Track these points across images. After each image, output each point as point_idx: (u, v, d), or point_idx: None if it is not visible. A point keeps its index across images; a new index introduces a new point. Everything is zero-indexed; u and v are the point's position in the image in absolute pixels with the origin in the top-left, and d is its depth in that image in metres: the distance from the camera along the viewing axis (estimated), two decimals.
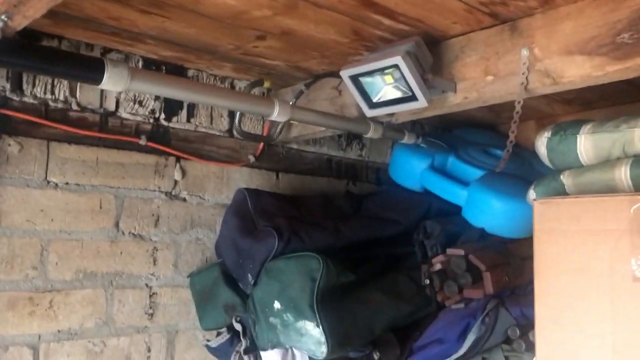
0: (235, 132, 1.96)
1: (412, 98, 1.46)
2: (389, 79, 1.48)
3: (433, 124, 2.59)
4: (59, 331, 1.58)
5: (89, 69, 1.12)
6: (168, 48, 1.67)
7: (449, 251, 1.88)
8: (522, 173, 2.10)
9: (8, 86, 1.52)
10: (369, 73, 1.49)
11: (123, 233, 1.73)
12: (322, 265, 1.57)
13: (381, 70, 1.46)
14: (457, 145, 2.25)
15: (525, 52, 1.41)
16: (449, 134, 2.59)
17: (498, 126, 2.67)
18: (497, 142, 2.42)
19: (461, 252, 1.83)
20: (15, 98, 1.53)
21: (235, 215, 1.77)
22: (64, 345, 1.59)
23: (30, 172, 1.55)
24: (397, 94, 1.50)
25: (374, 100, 1.55)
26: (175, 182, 1.85)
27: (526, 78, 1.41)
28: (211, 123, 1.94)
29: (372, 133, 1.72)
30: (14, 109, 1.52)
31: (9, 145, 1.52)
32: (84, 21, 1.45)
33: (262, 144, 2.04)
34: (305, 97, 1.92)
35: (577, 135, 1.47)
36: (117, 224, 1.71)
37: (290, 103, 1.58)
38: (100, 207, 1.68)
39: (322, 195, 2.06)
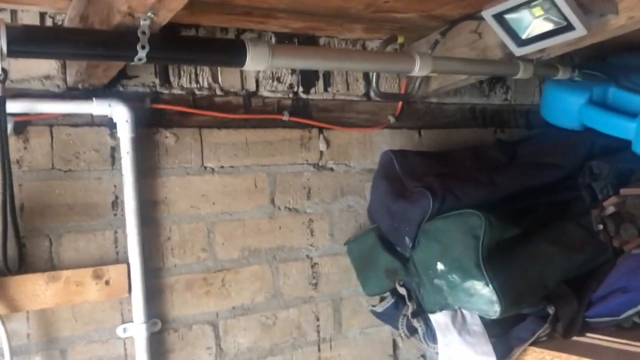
0: (372, 95, 1.92)
1: (568, 28, 1.32)
2: (537, 11, 1.34)
3: (582, 53, 2.35)
4: (233, 307, 1.67)
5: (232, 52, 1.13)
6: (299, 19, 1.65)
7: (623, 191, 1.70)
8: None
9: (157, 81, 1.60)
10: (515, 8, 1.36)
11: (279, 208, 1.77)
12: (484, 222, 1.49)
13: (528, 3, 1.33)
14: (617, 73, 2.02)
15: None
16: (603, 62, 2.33)
17: None
18: None
19: (638, 190, 1.65)
20: (165, 91, 1.61)
21: (384, 178, 1.73)
22: (239, 320, 1.68)
23: (188, 161, 1.63)
24: (549, 26, 1.36)
25: (523, 37, 1.42)
26: (321, 153, 1.85)
27: None
28: (348, 89, 1.91)
29: (521, 73, 1.59)
30: (166, 102, 1.60)
31: (166, 137, 1.60)
32: (216, 6, 1.47)
33: (400, 102, 1.98)
34: (442, 46, 1.82)
35: None
36: (272, 201, 1.76)
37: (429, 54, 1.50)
38: (255, 186, 1.73)
39: (471, 147, 1.96)
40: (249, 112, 1.72)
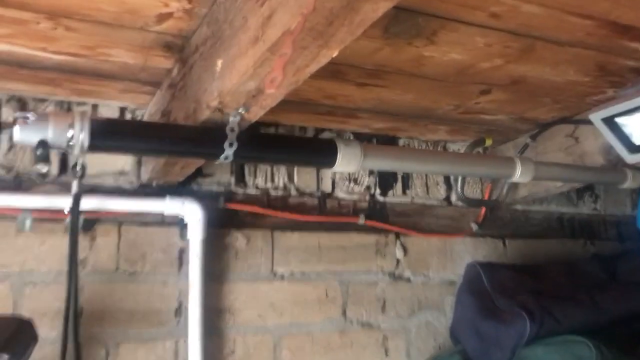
0: (454, 199, 1.79)
1: None
2: None
3: None
4: None
5: (323, 152, 1.04)
6: (381, 119, 1.57)
7: None
8: None
9: (232, 180, 1.52)
10: (629, 111, 1.23)
11: (351, 322, 1.60)
12: (595, 352, 1.29)
13: None
14: None
15: None
16: None
17: None
18: None
19: None
20: (239, 191, 1.52)
21: (470, 293, 1.56)
22: None
23: (258, 265, 1.51)
24: None
25: (637, 143, 1.28)
26: (398, 260, 1.70)
27: None
28: (427, 193, 1.79)
29: (630, 182, 1.43)
30: (240, 202, 1.50)
31: (237, 239, 1.49)
32: (298, 105, 1.41)
33: (484, 209, 1.83)
34: (532, 150, 1.69)
35: None
36: (344, 312, 1.60)
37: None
38: (327, 296, 1.58)
39: (564, 261, 1.77)
40: (323, 214, 1.61)
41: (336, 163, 1.04)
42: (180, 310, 1.39)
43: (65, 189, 1.32)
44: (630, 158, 1.31)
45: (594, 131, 1.46)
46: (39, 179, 1.31)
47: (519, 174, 1.25)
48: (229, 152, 0.95)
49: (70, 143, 0.84)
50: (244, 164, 1.53)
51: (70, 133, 0.84)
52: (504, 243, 1.88)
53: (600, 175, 1.41)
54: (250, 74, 0.80)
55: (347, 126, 1.62)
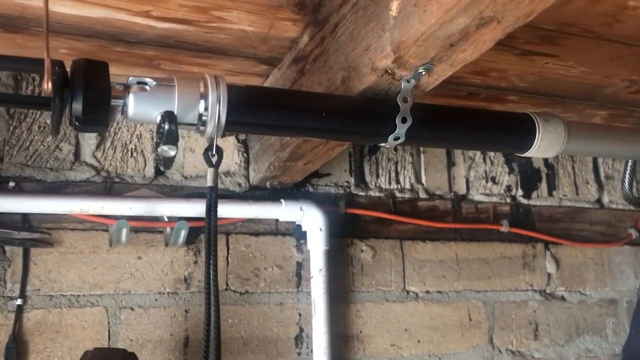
0: (606, 201, 1.49)
1: None
2: None
3: None
4: None
5: (516, 131, 0.77)
6: (530, 103, 1.29)
7: None
8: None
9: (352, 180, 1.27)
10: None
11: (499, 351, 1.31)
12: None
13: None
14: None
15: None
16: None
17: None
18: None
19: None
20: (360, 193, 1.27)
21: None
22: None
23: (387, 282, 1.25)
24: None
25: None
26: (549, 275, 1.40)
27: None
28: (577, 193, 1.49)
29: None
30: (362, 207, 1.25)
31: (362, 250, 1.24)
32: (440, 86, 1.14)
33: None
34: None
35: None
36: (491, 340, 1.31)
37: None
38: (470, 319, 1.30)
39: None
40: (458, 220, 1.34)
41: (533, 146, 0.77)
42: (301, 338, 1.14)
43: (163, 192, 1.10)
44: None
45: None
46: (136, 180, 1.10)
47: None
48: (401, 130, 0.70)
49: (204, 118, 0.61)
50: (364, 162, 1.27)
51: (202, 105, 0.61)
52: None
53: None
54: (466, 4, 0.54)
55: None
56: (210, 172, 0.66)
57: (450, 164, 1.37)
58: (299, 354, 1.13)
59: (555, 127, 0.78)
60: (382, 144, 0.73)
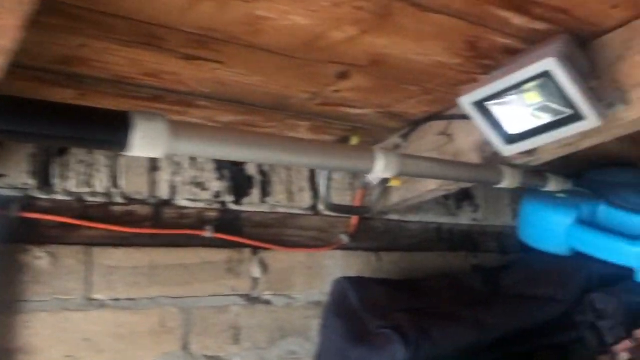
0: (321, 208, 1.56)
1: (574, 117, 1.01)
2: (532, 97, 1.05)
3: (558, 170, 2.10)
4: None
5: (108, 127, 0.75)
6: (229, 110, 1.31)
7: (637, 333, 1.34)
8: None
9: (32, 182, 1.19)
10: (502, 94, 1.06)
11: (195, 357, 1.31)
12: None
13: (520, 87, 1.03)
14: (602, 189, 1.74)
15: None
16: (580, 179, 2.08)
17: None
18: None
19: None
20: (43, 197, 1.20)
21: (337, 315, 1.32)
22: None
23: (68, 291, 1.19)
24: (546, 118, 1.06)
25: (512, 131, 1.11)
26: (255, 280, 1.44)
27: None
28: (291, 200, 1.55)
29: (507, 182, 1.26)
30: (42, 211, 1.18)
31: (37, 257, 1.16)
32: (112, 84, 1.12)
33: (356, 218, 1.62)
34: (403, 151, 1.50)
35: None
36: (186, 346, 1.30)
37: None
38: (163, 326, 1.28)
39: (446, 275, 1.58)
40: (159, 226, 1.32)
41: (131, 143, 0.76)
42: None
43: None
44: (506, 149, 1.14)
45: (468, 127, 1.30)
46: None
47: (383, 167, 1.03)
48: None
49: None
50: (49, 162, 1.21)
51: None
52: (378, 256, 1.67)
53: (475, 172, 1.23)
54: None
55: (186, 117, 1.34)
56: None
57: (154, 168, 1.36)
58: None
59: (157, 125, 0.78)
60: None
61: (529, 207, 1.70)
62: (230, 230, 1.41)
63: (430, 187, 1.46)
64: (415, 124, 1.47)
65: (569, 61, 0.98)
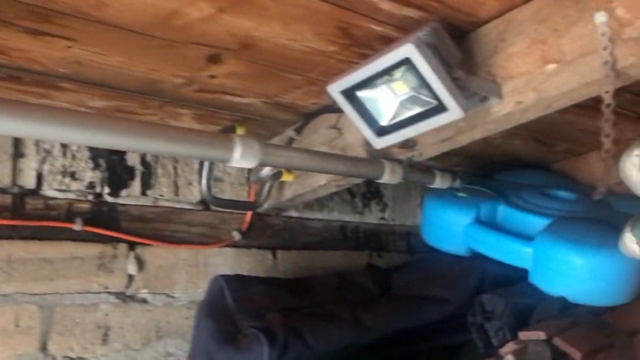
0: (209, 202, 1.48)
1: (439, 108, 0.97)
2: (400, 87, 1.00)
3: (470, 171, 2.09)
4: None
5: None
6: (98, 95, 1.22)
7: (523, 334, 1.31)
8: (601, 216, 1.56)
9: None
10: (370, 82, 1.01)
11: (55, 358, 1.21)
12: None
13: (387, 75, 0.98)
14: (505, 190, 1.73)
15: (602, 18, 0.92)
16: (492, 180, 2.08)
17: (550, 164, 2.14)
18: (555, 182, 1.89)
19: (541, 334, 1.26)
20: None
21: (209, 315, 1.25)
22: None
23: None
24: (414, 109, 1.01)
25: (383, 122, 1.06)
26: (130, 277, 1.35)
27: (610, 54, 0.91)
28: (176, 194, 1.47)
29: (387, 176, 1.22)
30: None
31: None
32: None
33: (249, 215, 1.55)
34: (298, 145, 1.45)
35: None
36: (44, 347, 1.21)
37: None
38: (17, 325, 1.18)
39: (338, 274, 1.53)
40: (19, 217, 1.22)
41: None
42: None
43: None
44: (378, 142, 1.09)
45: None
46: None
47: (238, 155, 0.96)
48: None
49: None
50: None
51: None
52: (274, 255, 1.61)
53: (352, 165, 1.18)
54: None
55: (50, 101, 1.24)
56: None
57: (18, 155, 1.26)
58: None
59: None
60: None
61: (430, 206, 1.67)
62: (105, 223, 1.33)
63: (321, 182, 1.40)
64: (308, 116, 1.42)
65: (431, 49, 0.93)
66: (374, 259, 1.83)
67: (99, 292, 1.30)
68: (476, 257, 1.57)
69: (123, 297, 1.33)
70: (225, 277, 1.29)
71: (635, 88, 1.46)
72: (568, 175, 2.08)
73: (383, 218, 1.91)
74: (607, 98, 0.91)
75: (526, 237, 1.49)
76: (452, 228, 1.60)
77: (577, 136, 1.83)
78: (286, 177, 1.43)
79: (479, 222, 1.58)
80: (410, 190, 2.00)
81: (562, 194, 1.71)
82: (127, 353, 1.30)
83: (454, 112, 0.95)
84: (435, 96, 0.96)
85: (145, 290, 1.36)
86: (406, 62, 0.93)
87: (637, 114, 1.67)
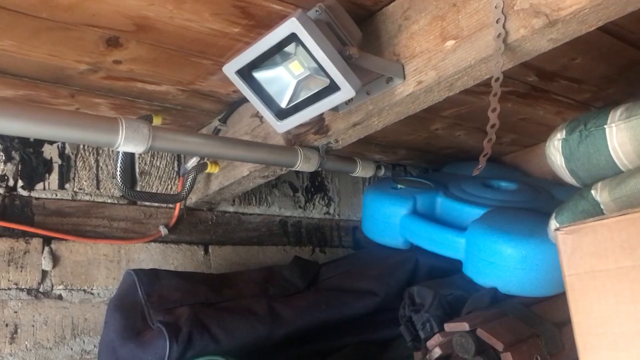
0: (124, 194, 1.44)
1: (333, 88, 0.93)
2: (296, 67, 0.96)
3: (419, 164, 2.06)
4: None
5: None
6: (1, 83, 1.18)
7: (448, 326, 1.27)
8: (540, 206, 1.53)
9: None
10: (266, 61, 0.97)
11: None
12: None
13: (281, 53, 0.95)
14: (447, 182, 1.69)
15: None
16: (439, 173, 2.05)
17: (501, 157, 2.12)
18: (501, 173, 1.86)
19: (465, 325, 1.22)
20: None
21: (117, 310, 1.20)
22: None
23: None
24: (313, 89, 0.98)
25: (283, 104, 1.02)
26: (44, 273, 1.30)
27: (503, 26, 0.87)
28: (98, 187, 1.42)
29: (302, 164, 1.18)
30: None
31: None
32: None
33: (177, 208, 1.50)
34: (223, 134, 1.41)
35: (606, 127, 0.99)
36: None
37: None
38: None
39: (266, 268, 1.48)
40: None
41: None
42: None
43: None
44: (279, 125, 1.05)
45: None
46: None
47: (121, 140, 0.92)
48: None
49: None
50: None
51: None
52: (205, 250, 1.56)
53: (264, 152, 1.13)
54: None
55: None
56: None
57: None
58: None
59: None
60: None
61: (368, 199, 1.63)
62: (17, 218, 1.28)
63: (244, 173, 1.36)
64: (232, 105, 1.38)
65: (322, 25, 0.90)
66: (316, 254, 1.79)
67: (8, 289, 1.25)
68: (411, 250, 1.53)
69: (35, 293, 1.28)
70: (137, 271, 1.25)
71: (575, 75, 1.44)
72: (519, 167, 2.06)
73: (328, 213, 1.87)
74: (497, 72, 0.87)
75: (458, 228, 1.45)
76: (388, 220, 1.56)
77: (522, 126, 1.80)
78: (212, 169, 1.40)
79: (416, 213, 1.54)
80: (358, 184, 1.96)
81: (503, 184, 1.68)
82: (39, 352, 1.25)
83: (345, 91, 0.91)
84: (327, 75, 0.92)
85: (60, 287, 1.31)
86: (294, 37, 0.89)
87: (577, 101, 1.64)
